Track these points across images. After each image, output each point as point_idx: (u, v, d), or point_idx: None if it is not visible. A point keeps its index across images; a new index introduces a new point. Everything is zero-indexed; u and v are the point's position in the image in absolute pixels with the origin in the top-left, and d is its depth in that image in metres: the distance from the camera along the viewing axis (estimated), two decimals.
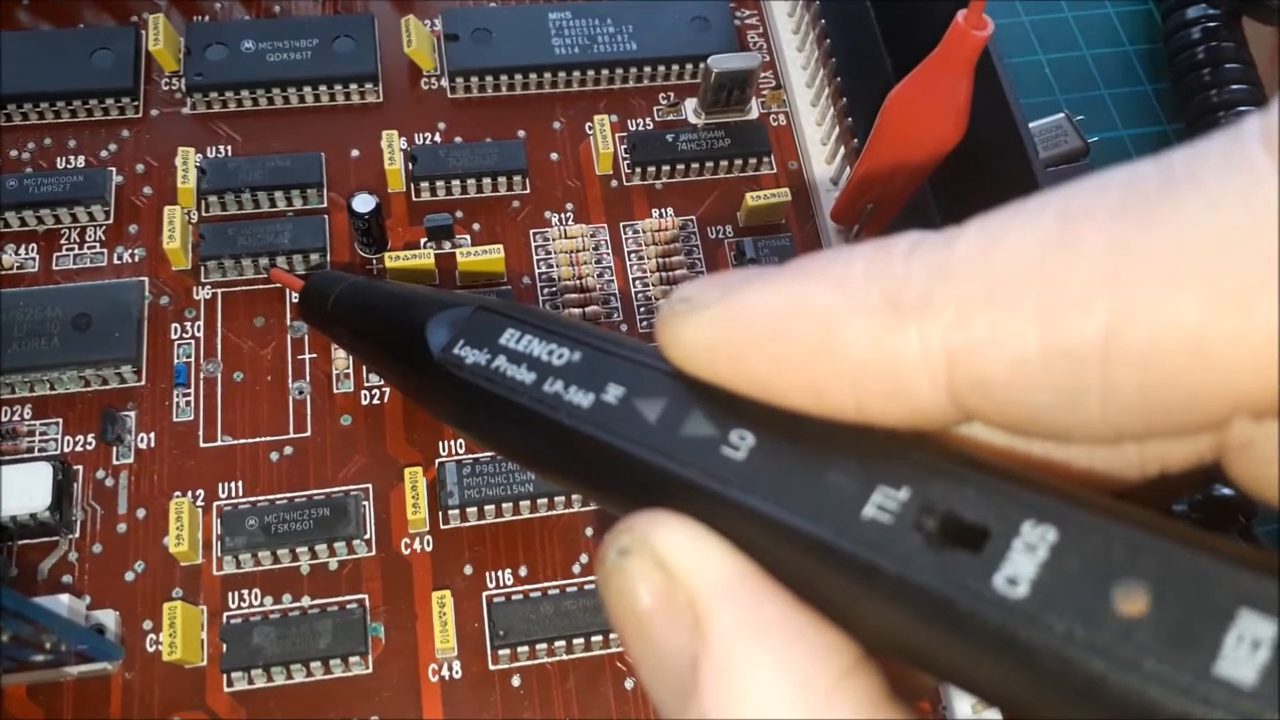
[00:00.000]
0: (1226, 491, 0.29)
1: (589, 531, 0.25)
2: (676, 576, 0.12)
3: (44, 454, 0.25)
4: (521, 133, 0.30)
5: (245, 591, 0.24)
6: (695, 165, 0.30)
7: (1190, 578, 0.09)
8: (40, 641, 0.19)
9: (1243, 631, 0.09)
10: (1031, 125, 0.33)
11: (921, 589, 0.10)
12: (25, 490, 0.23)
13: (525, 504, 0.25)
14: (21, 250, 0.27)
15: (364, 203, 0.26)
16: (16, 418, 0.25)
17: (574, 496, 0.25)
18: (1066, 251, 0.10)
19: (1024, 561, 0.10)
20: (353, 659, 0.23)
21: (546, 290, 0.28)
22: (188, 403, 0.26)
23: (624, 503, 0.13)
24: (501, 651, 0.24)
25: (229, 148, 0.29)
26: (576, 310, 0.28)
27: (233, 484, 0.25)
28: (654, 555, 0.12)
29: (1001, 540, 0.10)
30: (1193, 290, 0.09)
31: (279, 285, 0.27)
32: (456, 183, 0.28)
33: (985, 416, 0.11)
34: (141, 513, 0.24)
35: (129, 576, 0.24)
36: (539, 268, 0.28)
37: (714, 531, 0.12)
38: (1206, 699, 0.09)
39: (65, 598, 0.22)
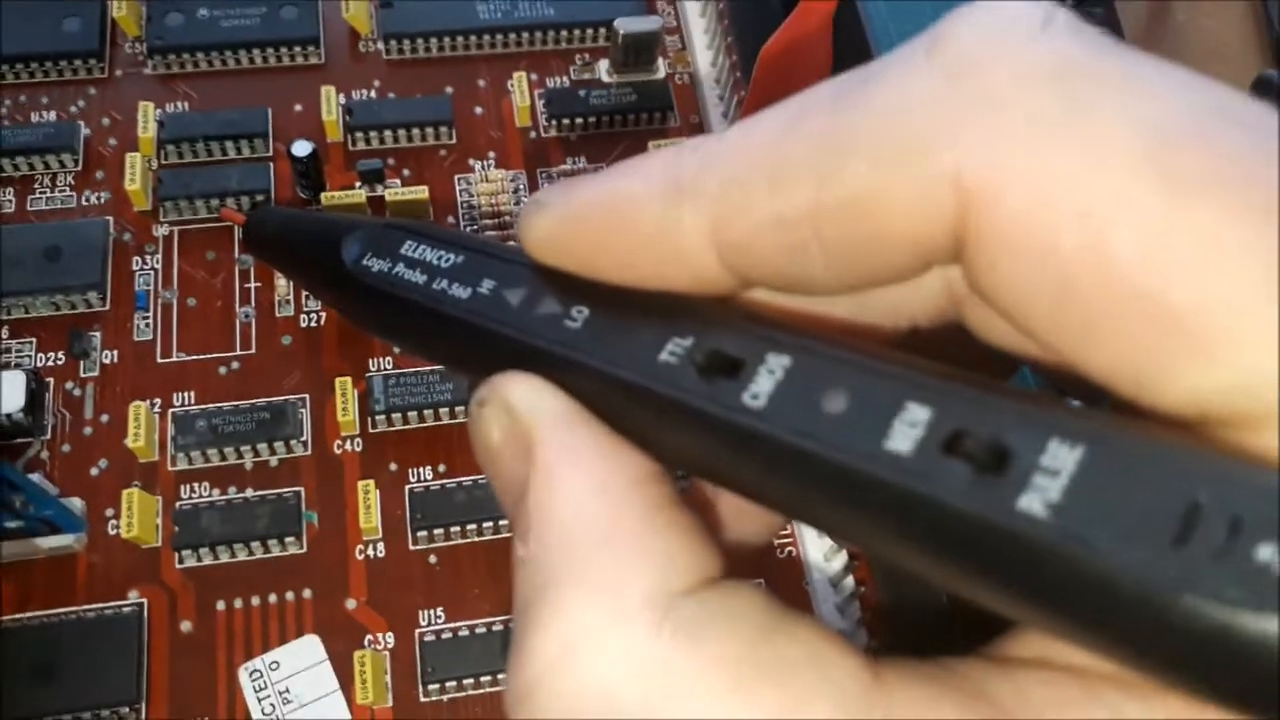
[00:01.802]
0: (1074, 404, 0.32)
1: None
2: (517, 416, 0.15)
3: (18, 368, 0.28)
4: (449, 89, 0.33)
5: (195, 484, 0.27)
6: (606, 119, 0.33)
7: (874, 383, 0.12)
8: (11, 501, 0.22)
9: (907, 417, 0.12)
10: None
11: (693, 409, 0.14)
12: (3, 395, 0.26)
13: (445, 411, 0.28)
14: None
15: (302, 148, 0.30)
16: None
17: None
18: (789, 138, 0.13)
19: (765, 382, 0.13)
20: (289, 539, 0.27)
21: (469, 226, 0.31)
22: (147, 324, 0.29)
23: (496, 372, 0.17)
24: (420, 534, 0.27)
25: (185, 104, 0.32)
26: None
27: (186, 393, 0.28)
28: (503, 402, 0.15)
29: (751, 368, 0.13)
30: (865, 156, 0.12)
31: (228, 223, 0.30)
32: (389, 133, 0.32)
33: (749, 277, 0.14)
34: (105, 418, 0.28)
35: (94, 472, 0.27)
36: (462, 208, 0.32)
37: (553, 384, 0.15)
38: (879, 463, 0.12)
39: (37, 476, 0.25)
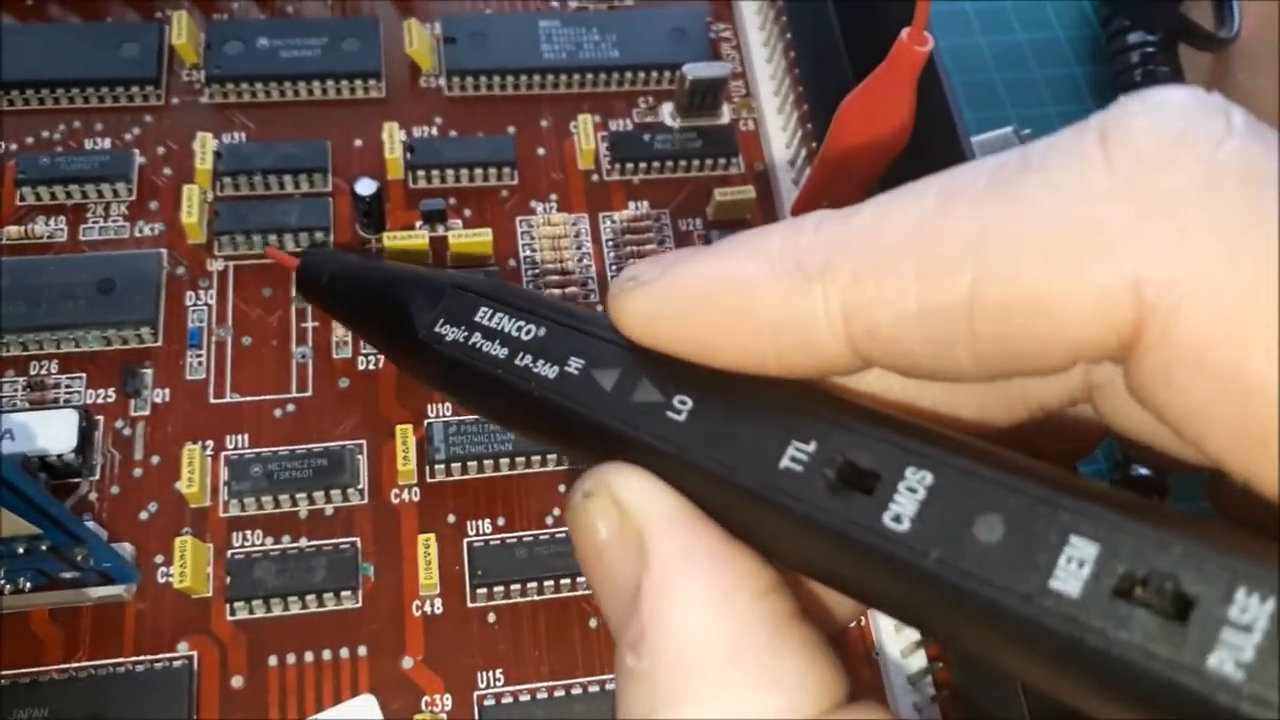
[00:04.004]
0: (1144, 472, 0.31)
1: (561, 488, 0.28)
2: (628, 514, 0.14)
3: (69, 404, 0.27)
4: (511, 129, 0.33)
5: (248, 532, 0.26)
6: (670, 163, 0.32)
7: (1035, 511, 0.12)
8: (73, 555, 0.21)
9: (1072, 554, 0.11)
10: (980, 137, 0.36)
11: (826, 528, 0.13)
12: (54, 434, 0.26)
13: (505, 461, 0.28)
14: (51, 221, 0.30)
15: (366, 186, 0.29)
16: (44, 371, 0.28)
17: (549, 456, 0.28)
18: (940, 225, 0.12)
19: (906, 502, 0.12)
20: (344, 593, 0.26)
21: (530, 273, 0.31)
22: (200, 362, 0.28)
23: (589, 456, 0.16)
24: (479, 590, 0.26)
25: (243, 135, 0.32)
26: (557, 291, 0.30)
27: (239, 436, 0.27)
28: (612, 497, 0.14)
29: (889, 484, 0.13)
30: (1035, 255, 0.11)
31: None
32: (450, 172, 0.31)
33: (879, 363, 0.13)
34: (156, 459, 0.27)
35: (143, 516, 0.26)
36: (524, 252, 0.31)
37: (660, 479, 0.14)
38: (1043, 607, 0.11)
39: (90, 522, 0.24)
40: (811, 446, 0.13)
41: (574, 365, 0.16)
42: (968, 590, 0.12)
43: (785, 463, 0.13)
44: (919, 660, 0.26)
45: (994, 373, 0.13)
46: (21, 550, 0.21)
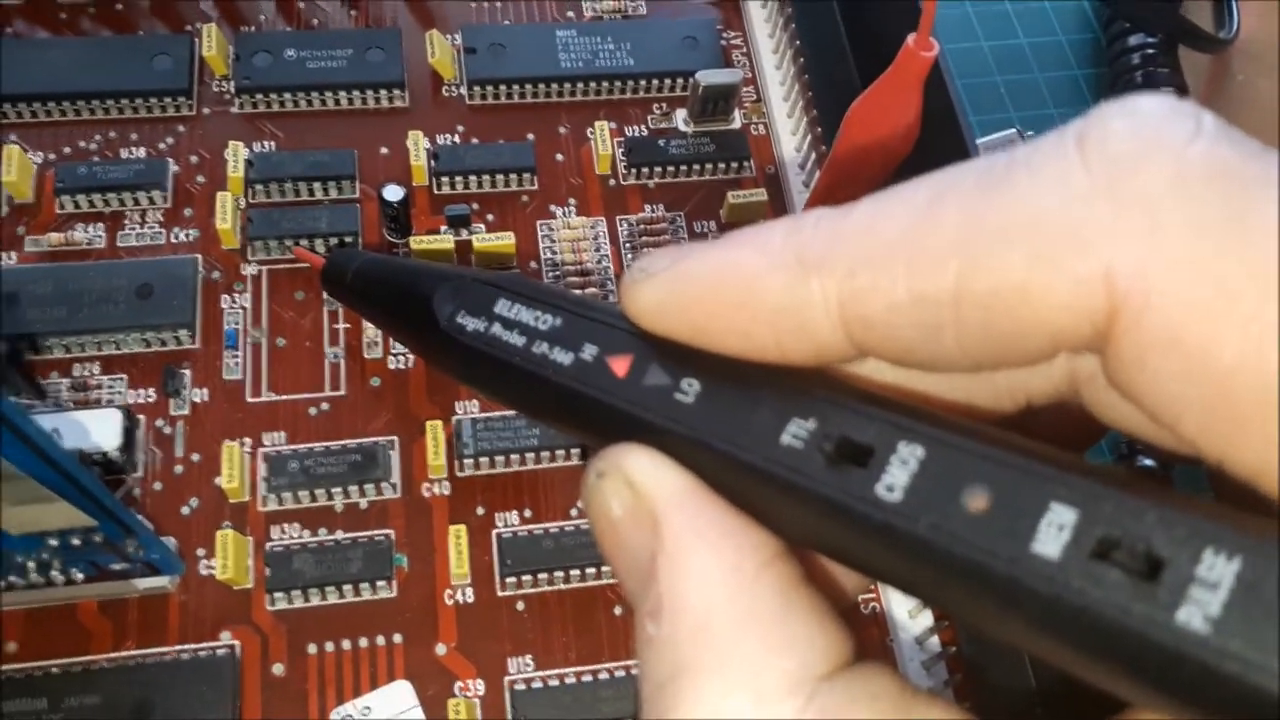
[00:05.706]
0: (1148, 463, 0.32)
1: None
2: (641, 492, 0.15)
3: (111, 404, 0.28)
4: (530, 136, 0.34)
5: (286, 525, 0.28)
6: (684, 167, 0.33)
7: (1019, 481, 0.12)
8: (124, 547, 0.22)
9: (1053, 519, 0.12)
10: (985, 139, 0.37)
11: (823, 497, 0.14)
12: (100, 432, 0.27)
13: (531, 456, 0.29)
14: (89, 229, 0.31)
15: (394, 192, 0.30)
16: (87, 373, 0.29)
17: (574, 450, 0.29)
18: (930, 220, 0.13)
19: (899, 473, 0.13)
20: (380, 583, 0.27)
21: (551, 274, 0.32)
22: (236, 363, 0.29)
23: (602, 439, 0.16)
24: (508, 580, 0.27)
25: (272, 143, 0.33)
26: (576, 291, 0.31)
27: (276, 434, 0.29)
28: (624, 476, 0.15)
29: (882, 457, 0.13)
30: (1018, 249, 0.12)
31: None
32: (473, 178, 0.32)
33: (872, 351, 0.14)
34: (196, 456, 0.28)
35: (185, 511, 0.27)
36: (545, 254, 0.32)
37: (670, 458, 0.15)
38: (1026, 568, 0.12)
39: (139, 516, 0.25)
40: (810, 424, 0.14)
41: (588, 352, 0.16)
42: (955, 554, 0.12)
43: (786, 439, 0.14)
44: (925, 620, 0.27)
45: (979, 361, 0.14)
46: (77, 542, 0.22)
